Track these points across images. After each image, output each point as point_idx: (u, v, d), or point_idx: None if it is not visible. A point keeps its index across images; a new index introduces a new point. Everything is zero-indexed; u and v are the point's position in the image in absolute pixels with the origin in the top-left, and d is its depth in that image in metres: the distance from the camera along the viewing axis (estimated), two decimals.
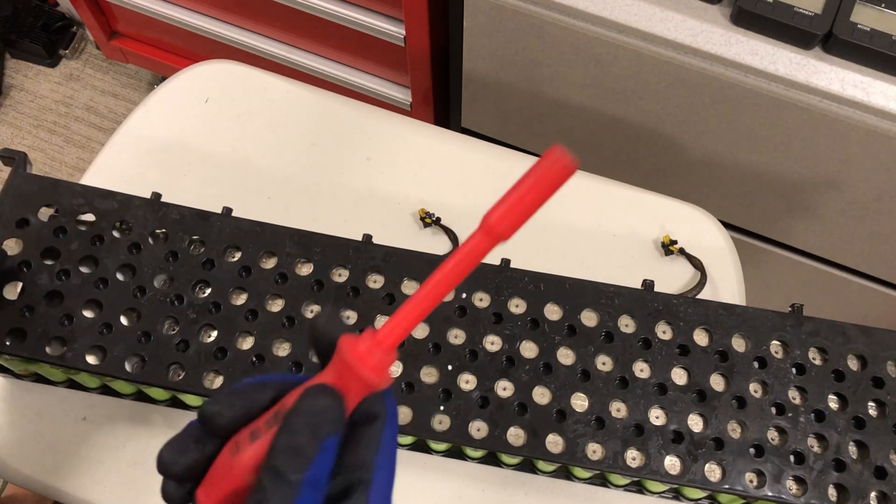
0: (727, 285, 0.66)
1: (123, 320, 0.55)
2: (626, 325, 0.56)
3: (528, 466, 0.58)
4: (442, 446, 0.57)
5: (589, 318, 0.56)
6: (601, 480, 0.57)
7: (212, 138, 0.72)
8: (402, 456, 0.58)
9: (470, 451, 0.57)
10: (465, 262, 0.29)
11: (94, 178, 0.69)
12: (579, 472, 0.56)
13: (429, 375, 0.54)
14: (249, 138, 0.72)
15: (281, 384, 0.31)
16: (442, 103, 1.17)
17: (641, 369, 0.55)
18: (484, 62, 0.93)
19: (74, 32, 1.63)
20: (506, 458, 0.57)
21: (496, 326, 0.56)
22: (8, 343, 0.54)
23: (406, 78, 1.12)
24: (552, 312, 0.57)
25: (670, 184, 0.97)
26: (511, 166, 0.72)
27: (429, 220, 0.68)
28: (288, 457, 0.27)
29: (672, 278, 0.67)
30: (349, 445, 0.30)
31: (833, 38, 0.71)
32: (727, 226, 1.02)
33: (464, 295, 0.57)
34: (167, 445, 0.31)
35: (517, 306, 0.57)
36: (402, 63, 1.08)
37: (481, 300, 0.57)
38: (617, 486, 0.57)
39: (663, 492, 0.57)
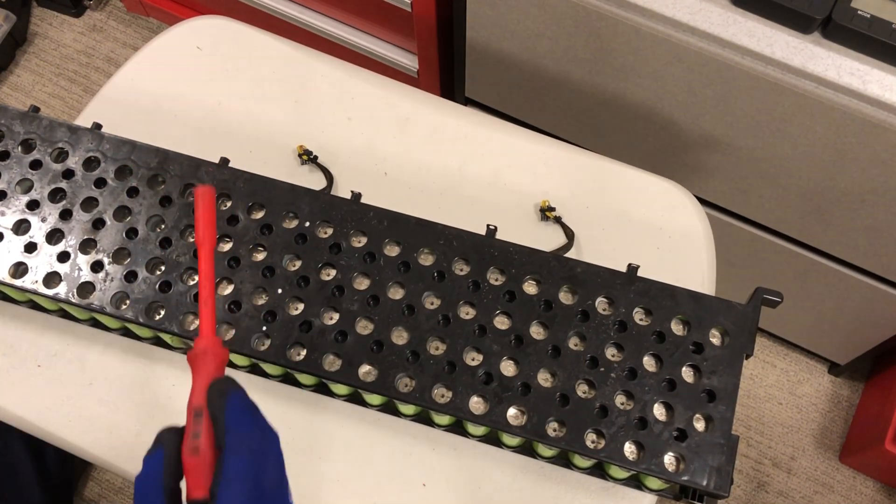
0: (696, 263, 0.65)
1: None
2: (461, 269, 0.57)
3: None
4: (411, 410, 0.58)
5: (425, 258, 0.58)
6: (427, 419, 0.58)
7: (199, 91, 0.73)
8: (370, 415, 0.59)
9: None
10: (207, 262, 0.43)
11: (84, 121, 0.70)
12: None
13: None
14: (235, 93, 0.73)
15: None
16: (447, 73, 1.16)
17: (467, 312, 0.56)
18: (487, 31, 0.93)
19: None
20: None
21: (334, 257, 0.57)
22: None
23: (413, 44, 1.11)
24: (391, 250, 0.58)
25: (666, 165, 0.96)
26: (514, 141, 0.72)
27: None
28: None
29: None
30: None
31: (832, 23, 0.70)
32: (724, 210, 1.01)
33: (307, 224, 0.58)
34: None
35: (359, 242, 0.58)
36: (410, 29, 1.08)
37: (326, 234, 0.59)
38: (439, 426, 0.58)
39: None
